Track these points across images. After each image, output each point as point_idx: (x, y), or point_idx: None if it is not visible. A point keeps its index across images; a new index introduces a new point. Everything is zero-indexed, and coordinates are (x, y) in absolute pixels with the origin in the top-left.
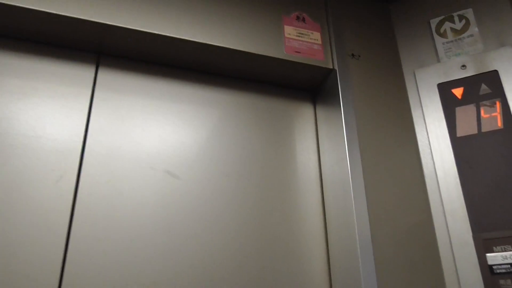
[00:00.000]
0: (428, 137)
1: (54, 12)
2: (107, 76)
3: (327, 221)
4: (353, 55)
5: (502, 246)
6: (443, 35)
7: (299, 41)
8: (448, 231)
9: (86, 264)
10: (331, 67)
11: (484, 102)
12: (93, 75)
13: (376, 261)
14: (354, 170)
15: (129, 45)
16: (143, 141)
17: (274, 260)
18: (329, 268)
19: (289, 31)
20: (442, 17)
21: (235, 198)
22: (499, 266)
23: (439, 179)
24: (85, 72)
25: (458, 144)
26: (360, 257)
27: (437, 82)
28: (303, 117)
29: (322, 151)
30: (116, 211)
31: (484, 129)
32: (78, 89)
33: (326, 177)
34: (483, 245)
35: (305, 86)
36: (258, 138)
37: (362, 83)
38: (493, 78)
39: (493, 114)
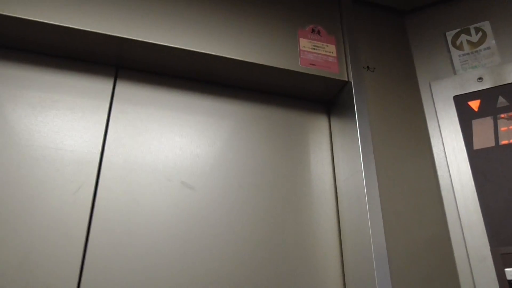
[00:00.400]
0: (444, 150)
1: (74, 27)
2: (125, 89)
3: (341, 234)
4: (368, 67)
5: None
6: (459, 47)
7: (314, 53)
8: (465, 244)
9: (103, 273)
10: (346, 79)
11: (502, 115)
12: (111, 88)
13: (392, 274)
14: (369, 182)
15: (147, 59)
16: (160, 153)
17: (288, 272)
18: (344, 282)
19: (304, 43)
20: (458, 29)
21: (249, 209)
22: None
23: (455, 192)
24: (103, 85)
25: (475, 157)
26: (376, 270)
27: (453, 95)
28: (318, 129)
29: (336, 163)
30: (133, 221)
31: (502, 142)
32: (96, 101)
33: (341, 190)
34: (501, 260)
35: (320, 98)
36: (273, 150)
37: (377, 96)
38: (510, 91)
39: (511, 127)
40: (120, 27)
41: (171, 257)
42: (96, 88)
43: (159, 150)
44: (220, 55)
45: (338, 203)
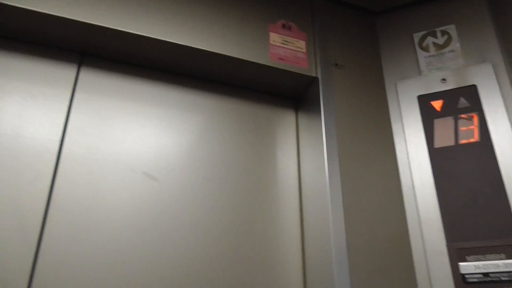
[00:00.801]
0: (407, 148)
1: (38, 10)
2: (89, 77)
3: (304, 228)
4: (336, 64)
5: (475, 256)
6: (425, 49)
7: (284, 48)
8: (423, 239)
9: (58, 264)
10: (315, 75)
11: (462, 115)
12: (74, 75)
13: (351, 268)
14: (332, 178)
15: (113, 46)
16: (123, 143)
17: (250, 265)
18: (305, 275)
19: (275, 38)
20: (425, 31)
21: (214, 202)
22: (471, 275)
23: (416, 189)
24: (67, 72)
25: (436, 155)
26: (335, 264)
27: (418, 94)
28: (285, 124)
29: (302, 158)
30: (92, 212)
31: (461, 141)
32: (59, 88)
33: (305, 185)
34: (456, 254)
35: (289, 93)
36: (240, 144)
37: (344, 93)
38: (471, 93)
39: (470, 127)
40: (86, 12)
41: (131, 249)
42: (59, 75)
43: (123, 140)
44: (189, 45)
45: (302, 197)
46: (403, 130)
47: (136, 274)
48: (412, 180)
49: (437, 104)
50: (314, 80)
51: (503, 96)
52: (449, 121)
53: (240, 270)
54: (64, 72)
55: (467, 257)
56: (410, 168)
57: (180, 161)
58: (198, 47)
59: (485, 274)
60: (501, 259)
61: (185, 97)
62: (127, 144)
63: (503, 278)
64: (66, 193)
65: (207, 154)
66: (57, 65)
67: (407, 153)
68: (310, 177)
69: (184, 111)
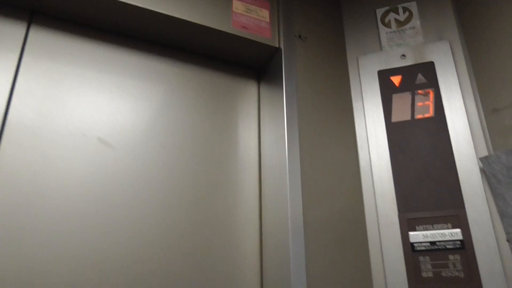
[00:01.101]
0: (366, 122)
1: None
2: (39, 36)
3: (262, 199)
4: (300, 36)
5: (424, 226)
6: (387, 25)
7: (247, 16)
8: (376, 211)
9: (4, 230)
10: (277, 45)
11: (419, 91)
12: (23, 33)
13: (306, 239)
14: (291, 150)
15: (66, 5)
16: (76, 107)
17: (207, 234)
18: (261, 244)
19: (238, 5)
20: (387, 7)
21: (172, 171)
22: (420, 244)
23: (372, 162)
24: (15, 30)
25: (392, 129)
26: (291, 234)
27: (378, 69)
28: (247, 95)
29: (263, 130)
30: (41, 177)
31: (417, 116)
32: (6, 47)
33: (265, 156)
34: (407, 224)
35: (251, 63)
36: (200, 112)
37: (306, 65)
38: (429, 69)
39: (426, 102)
40: None
41: (82, 216)
42: (6, 33)
43: (76, 104)
44: (147, 7)
45: (261, 168)
46: (363, 104)
47: (87, 242)
48: (369, 154)
49: (396, 80)
50: (277, 50)
51: (458, 73)
52: (406, 96)
53: (197, 238)
54: (12, 31)
55: (416, 227)
56: (368, 142)
57: (137, 128)
58: (157, 10)
59: (432, 243)
60: (448, 228)
61: (144, 63)
62: (80, 108)
63: (448, 246)
64: (12, 157)
65: (166, 122)
66: (5, 23)
67: (366, 127)
68: (270, 149)
69: (143, 77)
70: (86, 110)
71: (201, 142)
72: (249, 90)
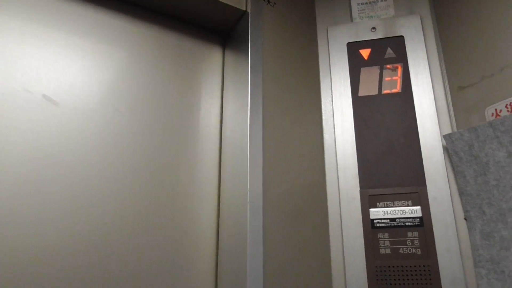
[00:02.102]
0: (332, 95)
1: None
2: None
3: (222, 170)
4: (268, 1)
5: (385, 202)
6: None
7: None
8: (338, 186)
9: None
10: (244, 9)
11: (388, 65)
12: None
13: (265, 212)
14: (254, 120)
15: None
16: (19, 59)
17: (163, 204)
18: (218, 217)
19: None
20: None
21: (125, 135)
22: (380, 221)
23: (336, 137)
24: None
25: (359, 104)
26: (249, 207)
27: (347, 41)
28: (211, 60)
29: (225, 98)
30: None
31: (384, 91)
32: None
33: (226, 125)
34: (368, 201)
35: (216, 27)
36: (160, 76)
37: (274, 32)
38: (398, 44)
39: (394, 77)
40: None
41: (20, 176)
42: None
43: (19, 57)
44: None
45: (222, 138)
46: (330, 76)
47: (26, 202)
48: (334, 128)
49: (365, 53)
50: (244, 14)
51: (427, 49)
52: (374, 70)
53: (151, 207)
54: None
55: (377, 203)
56: (333, 116)
57: (88, 89)
58: None
59: (392, 220)
60: (408, 205)
61: (99, 20)
62: (24, 61)
63: (407, 223)
64: None
65: (121, 84)
66: None
67: (332, 101)
68: (232, 118)
69: (97, 35)
70: (30, 64)
71: (159, 107)
72: (214, 56)
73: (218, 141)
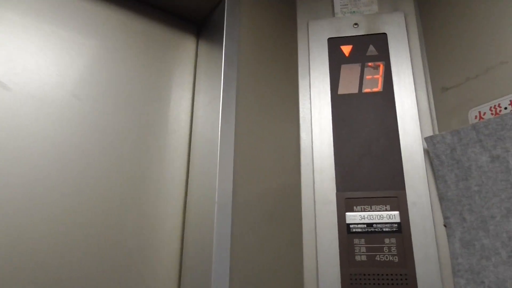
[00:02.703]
0: (310, 92)
1: None
2: None
3: (190, 166)
4: None
5: (362, 206)
6: None
7: None
8: (314, 189)
9: None
10: None
11: (369, 63)
12: None
13: (234, 214)
14: (226, 114)
15: None
16: None
17: (120, 201)
18: (184, 217)
19: None
20: None
21: (84, 125)
22: (356, 226)
23: (313, 136)
24: None
25: (338, 102)
26: (217, 209)
27: (328, 37)
28: (184, 50)
29: (197, 90)
30: None
31: (365, 89)
32: None
33: (197, 119)
34: (344, 204)
35: (191, 15)
36: (127, 64)
37: (251, 23)
38: (381, 41)
39: (375, 76)
40: None
41: None
42: None
43: None
44: None
45: (192, 133)
46: (309, 72)
47: None
48: (311, 126)
49: (346, 49)
50: (220, 2)
51: (410, 47)
52: (355, 68)
53: (112, 204)
54: None
55: (354, 207)
56: (311, 114)
57: (43, 73)
58: None
59: (369, 225)
60: (386, 210)
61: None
62: None
63: (385, 229)
64: None
65: (83, 69)
66: None
67: (310, 98)
68: (203, 112)
69: (57, 16)
70: None
71: (125, 97)
72: (187, 45)
73: (187, 136)
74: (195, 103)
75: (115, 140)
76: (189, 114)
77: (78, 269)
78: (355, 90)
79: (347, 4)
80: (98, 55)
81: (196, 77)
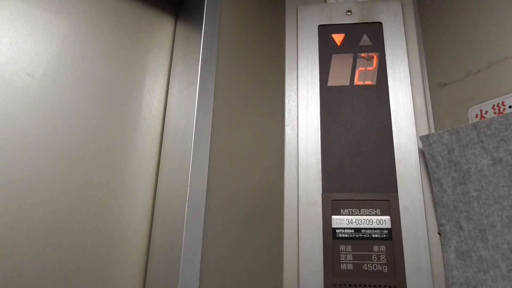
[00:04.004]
0: (298, 82)
1: None
2: None
3: (161, 159)
4: None
5: (349, 209)
6: None
7: None
8: (298, 188)
9: None
10: None
11: (362, 54)
12: None
13: (207, 215)
14: (202, 103)
15: None
16: None
17: (80, 196)
18: (152, 219)
19: None
20: None
21: (36, 105)
22: (342, 231)
23: (299, 130)
24: None
25: (327, 95)
26: (188, 208)
27: (319, 24)
28: (160, 31)
29: (173, 75)
30: None
31: (357, 82)
32: None
33: (171, 107)
34: (331, 206)
35: None
36: (97, 44)
37: (235, 4)
38: (375, 30)
39: (369, 68)
40: None
41: None
42: None
43: None
44: None
45: (165, 122)
46: (297, 62)
47: None
48: (297, 120)
49: (338, 38)
50: None
51: (406, 39)
52: (347, 58)
53: (65, 203)
54: None
55: (341, 210)
56: (297, 107)
57: None
58: None
59: (357, 230)
60: (376, 214)
61: None
62: None
63: (374, 235)
64: None
65: (38, 45)
66: None
67: (297, 89)
68: (178, 99)
69: None
70: None
71: (90, 79)
72: (163, 26)
73: (160, 126)
74: (169, 89)
75: (75, 125)
76: (163, 101)
77: (31, 271)
78: (346, 83)
79: None
80: (62, 31)
81: (173, 61)
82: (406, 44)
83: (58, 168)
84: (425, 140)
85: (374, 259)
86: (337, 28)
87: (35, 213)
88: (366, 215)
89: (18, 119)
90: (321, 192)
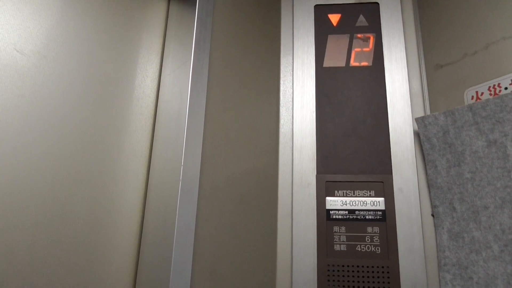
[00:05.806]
0: (293, 63)
1: None
2: None
3: (154, 140)
4: None
5: (344, 191)
6: None
7: None
8: (292, 169)
9: None
10: None
11: (359, 35)
12: None
13: (201, 196)
14: (196, 84)
15: None
16: None
17: (75, 171)
18: (145, 199)
19: None
20: None
21: (25, 81)
22: (336, 212)
23: (294, 111)
24: None
25: (323, 75)
26: (181, 186)
27: (315, 4)
28: (154, 9)
29: (166, 54)
30: None
31: (353, 63)
32: None
33: (164, 87)
34: (325, 188)
35: None
36: (89, 21)
37: None
38: (372, 11)
39: (365, 49)
40: None
41: None
42: None
43: None
44: None
45: (158, 102)
46: (293, 42)
47: None
48: (292, 101)
49: (334, 18)
50: None
51: (404, 20)
52: (343, 39)
53: (66, 187)
54: None
55: (335, 192)
56: (292, 87)
57: None
58: None
59: (351, 211)
60: (370, 196)
61: None
62: None
63: (368, 217)
64: None
65: (28, 19)
66: None
67: (292, 69)
68: (171, 79)
69: None
70: None
71: (81, 56)
72: (157, 3)
73: (153, 105)
74: (163, 68)
75: (65, 103)
76: (156, 80)
77: (21, 261)
78: (342, 64)
79: None
80: (53, 8)
81: (166, 40)
82: (403, 25)
83: (48, 147)
84: (420, 122)
85: (368, 240)
86: (334, 8)
87: (28, 183)
88: (360, 196)
89: (7, 96)
90: (315, 173)
